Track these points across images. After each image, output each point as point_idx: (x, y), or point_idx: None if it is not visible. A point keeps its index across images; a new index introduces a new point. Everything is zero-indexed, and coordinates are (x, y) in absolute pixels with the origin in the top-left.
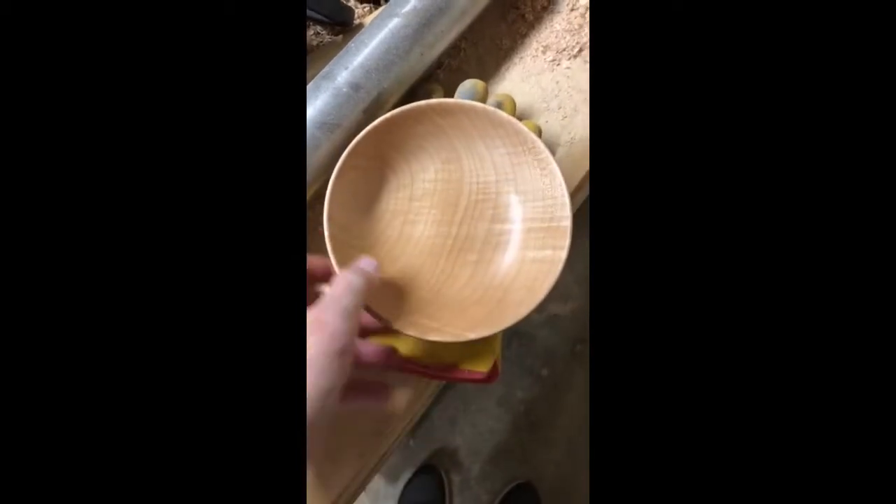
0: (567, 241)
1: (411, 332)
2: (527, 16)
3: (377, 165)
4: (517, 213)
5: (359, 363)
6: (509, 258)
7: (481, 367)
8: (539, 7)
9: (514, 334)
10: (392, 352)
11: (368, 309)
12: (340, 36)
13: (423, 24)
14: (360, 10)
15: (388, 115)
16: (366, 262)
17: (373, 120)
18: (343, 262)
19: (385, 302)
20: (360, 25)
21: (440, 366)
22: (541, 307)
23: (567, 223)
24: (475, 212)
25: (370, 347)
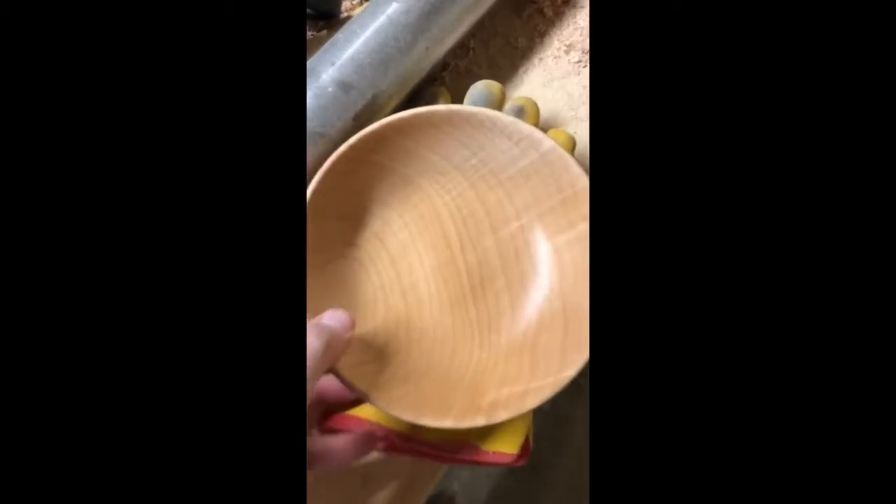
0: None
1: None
2: (545, 11)
3: (338, 254)
4: (517, 203)
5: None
6: (542, 256)
7: (508, 449)
8: (559, 1)
9: None
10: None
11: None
12: (324, 31)
13: (429, 11)
14: (347, 2)
15: (310, 191)
16: (330, 316)
17: (366, 126)
18: (360, 388)
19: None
20: (349, 19)
21: (456, 445)
22: None
23: (583, 182)
24: (470, 230)
25: (333, 384)
